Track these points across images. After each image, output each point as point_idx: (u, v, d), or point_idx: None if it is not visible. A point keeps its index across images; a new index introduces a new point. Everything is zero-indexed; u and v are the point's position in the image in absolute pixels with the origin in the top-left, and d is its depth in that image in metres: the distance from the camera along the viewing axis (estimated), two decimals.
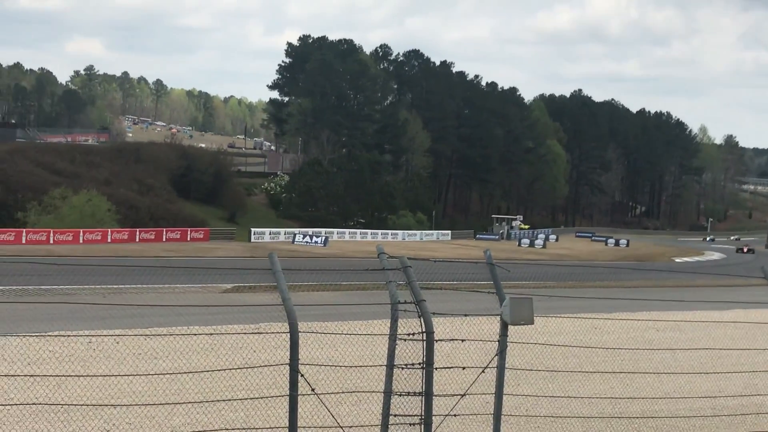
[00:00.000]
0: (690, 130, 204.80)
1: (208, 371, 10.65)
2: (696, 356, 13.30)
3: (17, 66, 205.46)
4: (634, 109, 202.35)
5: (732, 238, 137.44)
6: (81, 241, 64.10)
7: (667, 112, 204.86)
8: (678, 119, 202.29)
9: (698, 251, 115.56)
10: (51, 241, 62.50)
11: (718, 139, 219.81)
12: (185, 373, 11.16)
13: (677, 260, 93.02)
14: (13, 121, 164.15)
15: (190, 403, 10.52)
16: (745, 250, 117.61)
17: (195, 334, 12.71)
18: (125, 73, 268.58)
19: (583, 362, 15.14)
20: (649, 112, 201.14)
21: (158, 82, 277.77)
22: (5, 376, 10.08)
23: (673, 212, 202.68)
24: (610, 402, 12.78)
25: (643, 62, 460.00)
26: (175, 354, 13.01)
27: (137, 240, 68.72)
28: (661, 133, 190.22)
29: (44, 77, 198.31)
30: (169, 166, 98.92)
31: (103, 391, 11.04)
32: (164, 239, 71.15)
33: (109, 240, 66.11)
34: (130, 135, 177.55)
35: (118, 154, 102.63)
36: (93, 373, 11.79)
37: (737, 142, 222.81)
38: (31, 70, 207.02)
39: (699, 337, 15.22)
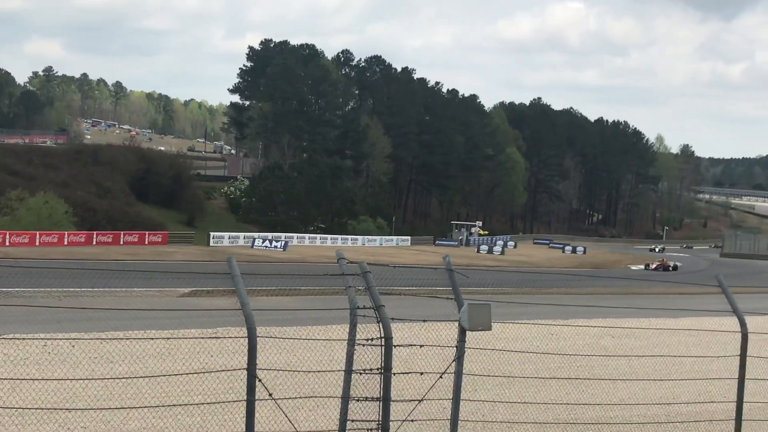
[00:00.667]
0: (647, 140, 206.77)
1: (164, 376, 10.60)
2: (651, 363, 13.45)
3: None
4: (592, 117, 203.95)
5: (683, 246, 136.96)
6: (37, 243, 63.46)
7: (624, 121, 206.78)
8: (635, 128, 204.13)
9: (654, 259, 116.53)
10: (7, 243, 61.78)
11: (675, 149, 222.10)
12: (141, 377, 11.10)
13: (633, 268, 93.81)
14: None
15: (146, 407, 10.46)
16: (657, 266, 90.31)
17: (152, 338, 12.66)
18: (84, 75, 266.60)
19: (540, 368, 15.25)
20: (607, 120, 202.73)
21: (118, 84, 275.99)
22: None
23: (630, 220, 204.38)
24: (565, 408, 12.88)
25: (601, 71, 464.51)
26: (132, 358, 12.95)
27: (94, 243, 68.16)
28: (619, 142, 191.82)
29: (2, 78, 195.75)
30: (127, 168, 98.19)
31: (59, 395, 10.95)
32: (122, 242, 70.62)
33: (65, 243, 65.51)
34: (89, 137, 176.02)
35: (76, 156, 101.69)
36: (48, 377, 11.69)
37: (693, 152, 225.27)
38: None
39: (654, 344, 15.39)
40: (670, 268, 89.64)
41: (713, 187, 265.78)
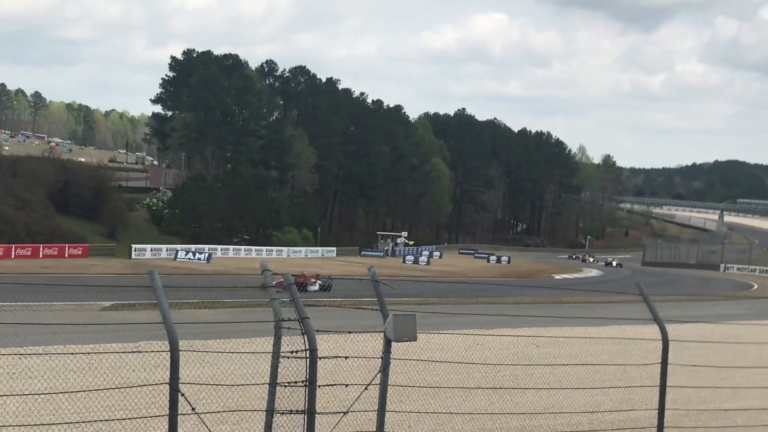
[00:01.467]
0: (569, 150, 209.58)
1: (85, 391, 10.40)
2: (575, 372, 13.56)
3: None
4: (515, 128, 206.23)
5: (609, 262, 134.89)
6: None
7: (547, 131, 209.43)
8: (558, 139, 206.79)
9: (577, 268, 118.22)
10: None
11: (597, 159, 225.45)
12: (62, 393, 10.87)
13: (557, 277, 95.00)
14: None
15: (66, 423, 10.25)
16: None
17: (72, 353, 12.40)
18: (2, 85, 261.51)
19: (465, 378, 15.30)
20: (530, 131, 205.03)
21: (37, 95, 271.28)
22: None
23: (554, 230, 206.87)
24: (490, 417, 12.92)
25: (524, 82, 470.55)
26: (51, 373, 12.68)
27: (13, 256, 66.92)
28: (542, 152, 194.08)
29: None
30: (47, 180, 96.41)
31: None
32: (41, 255, 69.46)
33: None
34: (7, 148, 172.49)
35: None
36: None
37: (615, 162, 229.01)
38: None
39: (577, 352, 15.51)
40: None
41: (635, 197, 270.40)
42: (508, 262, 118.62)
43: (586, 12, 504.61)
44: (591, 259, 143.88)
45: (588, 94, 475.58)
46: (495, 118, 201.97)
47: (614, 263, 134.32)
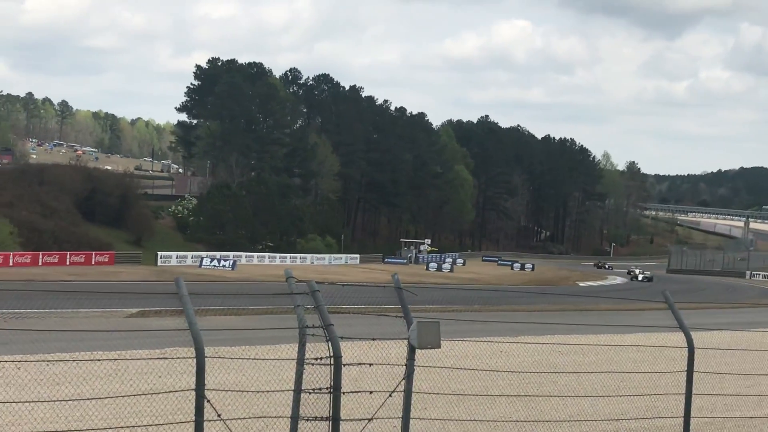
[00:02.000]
0: (593, 157, 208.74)
1: (112, 397, 10.48)
2: (599, 379, 13.53)
3: None
4: (539, 135, 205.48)
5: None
6: None
7: (571, 138, 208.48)
8: (582, 145, 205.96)
9: (601, 276, 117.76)
10: None
11: (621, 166, 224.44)
12: (89, 399, 10.95)
13: (581, 284, 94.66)
14: None
15: (93, 429, 10.32)
16: None
17: (99, 360, 12.51)
18: (30, 94, 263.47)
19: (489, 386, 15.29)
20: (553, 138, 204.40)
21: (64, 104, 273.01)
22: None
23: (577, 237, 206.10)
24: (515, 425, 12.91)
25: (547, 89, 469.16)
26: (78, 380, 12.78)
27: (40, 264, 67.33)
28: (566, 159, 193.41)
29: None
30: (73, 188, 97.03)
31: (4, 418, 10.76)
32: (68, 263, 69.83)
33: (11, 264, 64.65)
34: (34, 157, 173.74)
35: (21, 176, 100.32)
36: None
37: (639, 169, 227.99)
38: None
39: (602, 360, 15.48)
40: None
41: (659, 204, 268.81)
42: (532, 269, 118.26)
43: (609, 19, 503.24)
44: (608, 266, 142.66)
45: (612, 101, 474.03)
46: (518, 125, 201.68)
47: (640, 276, 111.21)
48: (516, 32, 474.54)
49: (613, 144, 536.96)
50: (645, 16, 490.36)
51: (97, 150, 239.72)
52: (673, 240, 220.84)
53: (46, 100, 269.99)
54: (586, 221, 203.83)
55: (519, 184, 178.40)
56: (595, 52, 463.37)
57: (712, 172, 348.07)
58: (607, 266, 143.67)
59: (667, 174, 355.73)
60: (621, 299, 50.15)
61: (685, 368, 12.00)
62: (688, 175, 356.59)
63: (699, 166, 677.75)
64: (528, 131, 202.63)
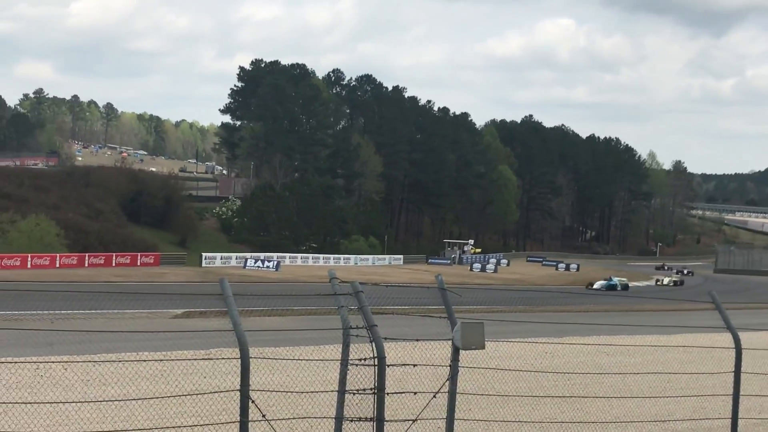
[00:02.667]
0: (639, 156, 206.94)
1: (157, 398, 10.55)
2: (646, 380, 13.41)
3: None
4: (583, 134, 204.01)
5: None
6: (29, 266, 63.33)
7: (616, 137, 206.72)
8: (627, 145, 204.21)
9: (647, 276, 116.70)
10: None
11: (667, 165, 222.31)
12: (134, 399, 11.03)
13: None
14: None
15: (139, 430, 10.39)
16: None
17: (144, 360, 12.59)
18: (75, 97, 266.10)
19: (534, 387, 15.21)
20: (598, 137, 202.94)
21: (108, 106, 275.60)
22: None
23: (623, 237, 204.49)
24: (560, 426, 12.83)
25: (592, 88, 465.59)
26: (124, 380, 12.88)
27: (86, 265, 68.02)
28: (611, 159, 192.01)
29: None
30: (119, 190, 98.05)
31: (51, 419, 10.87)
32: (114, 264, 70.51)
33: (57, 265, 65.38)
34: (80, 159, 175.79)
35: (67, 178, 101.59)
36: (41, 400, 11.60)
37: (685, 168, 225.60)
38: None
39: (649, 361, 15.34)
40: None
41: (706, 203, 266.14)
42: (577, 269, 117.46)
43: (654, 17, 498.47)
44: (667, 267, 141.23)
45: (657, 100, 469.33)
46: (562, 125, 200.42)
47: (666, 280, 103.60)
48: (560, 31, 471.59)
49: (659, 143, 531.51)
50: (690, 13, 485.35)
51: (142, 152, 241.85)
52: (720, 240, 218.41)
53: (92, 103, 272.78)
54: (631, 221, 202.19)
55: (563, 184, 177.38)
56: (639, 50, 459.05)
57: (760, 171, 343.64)
58: (666, 267, 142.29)
59: (714, 173, 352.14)
60: (668, 299, 49.68)
61: (733, 369, 11.85)
62: (736, 174, 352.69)
63: (746, 164, 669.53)
64: (572, 131, 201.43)
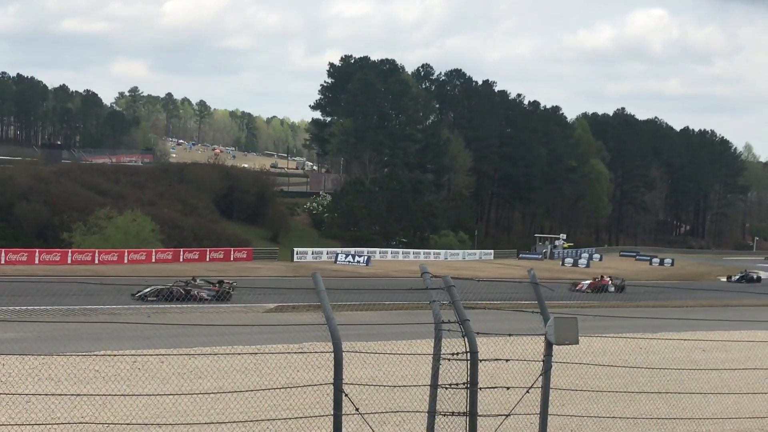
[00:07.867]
0: (735, 149, 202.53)
1: (251, 391, 10.67)
2: (744, 376, 13.14)
3: (63, 88, 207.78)
4: (677, 127, 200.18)
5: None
6: (126, 261, 64.69)
7: (711, 130, 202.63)
8: (722, 137, 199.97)
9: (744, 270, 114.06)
10: (96, 261, 63.13)
11: (764, 157, 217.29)
12: (229, 392, 11.19)
13: (723, 279, 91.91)
14: (59, 143, 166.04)
15: (233, 422, 10.54)
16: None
17: (238, 354, 12.74)
18: (169, 95, 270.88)
19: (628, 382, 15.00)
20: (692, 130, 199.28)
21: (201, 103, 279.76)
22: (52, 395, 10.17)
23: (718, 231, 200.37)
24: (655, 423, 12.64)
25: (685, 80, 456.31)
26: (219, 373, 13.07)
27: (181, 260, 69.19)
28: (706, 152, 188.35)
29: (89, 99, 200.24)
30: (212, 186, 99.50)
31: (148, 411, 11.09)
32: (208, 259, 71.58)
33: (153, 260, 66.64)
34: (174, 156, 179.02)
35: (162, 174, 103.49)
36: (138, 393, 11.84)
37: None
38: (76, 92, 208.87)
39: (746, 357, 15.02)
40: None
41: None
42: (672, 264, 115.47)
43: (749, 6, 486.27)
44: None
45: (753, 91, 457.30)
46: (656, 117, 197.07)
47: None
48: (652, 22, 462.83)
49: (756, 135, 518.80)
50: None
51: (234, 148, 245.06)
52: None
53: (185, 101, 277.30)
54: (727, 215, 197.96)
55: (657, 178, 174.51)
56: (734, 40, 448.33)
57: None
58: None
59: None
60: (764, 294, 48.62)
61: None
62: None
63: None
64: (666, 123, 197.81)
